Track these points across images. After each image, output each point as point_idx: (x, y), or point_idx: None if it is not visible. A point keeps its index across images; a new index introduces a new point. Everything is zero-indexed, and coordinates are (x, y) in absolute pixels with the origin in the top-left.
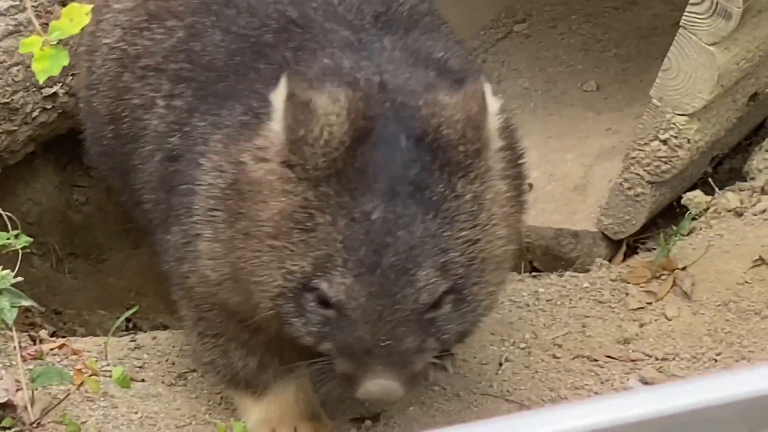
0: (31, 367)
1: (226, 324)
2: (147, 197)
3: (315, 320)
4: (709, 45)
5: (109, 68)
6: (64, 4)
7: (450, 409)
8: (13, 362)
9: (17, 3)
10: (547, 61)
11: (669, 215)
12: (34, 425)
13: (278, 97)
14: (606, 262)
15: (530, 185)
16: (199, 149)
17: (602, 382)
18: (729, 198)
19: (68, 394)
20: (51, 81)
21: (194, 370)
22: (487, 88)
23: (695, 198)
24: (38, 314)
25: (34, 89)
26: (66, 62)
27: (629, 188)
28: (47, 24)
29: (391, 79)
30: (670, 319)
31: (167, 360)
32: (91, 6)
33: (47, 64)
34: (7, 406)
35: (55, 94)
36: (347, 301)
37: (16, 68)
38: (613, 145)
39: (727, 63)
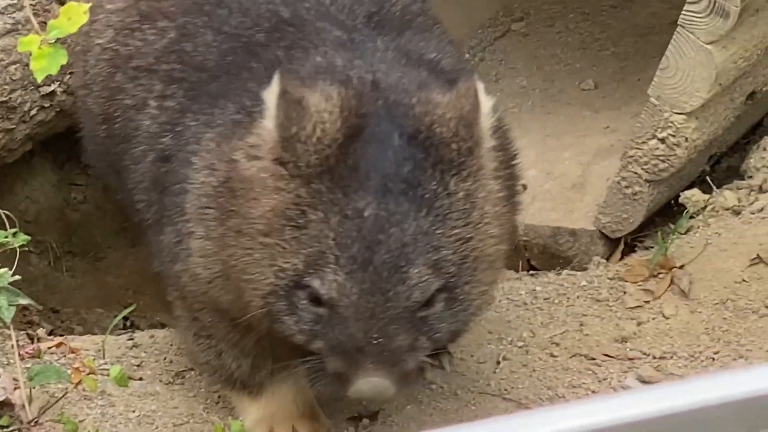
0: (28, 365)
1: (219, 325)
2: (139, 198)
3: (306, 318)
4: (707, 44)
5: (101, 68)
6: (62, 3)
7: (448, 408)
8: (11, 360)
9: (15, 1)
10: (544, 60)
11: (667, 214)
12: (32, 424)
13: (271, 94)
14: (604, 261)
15: (524, 186)
16: (191, 148)
17: (600, 381)
18: (727, 196)
19: (66, 393)
20: (49, 79)
21: (192, 369)
22: (480, 87)
23: (693, 196)
24: (36, 312)
25: (32, 88)
26: (64, 61)
27: (627, 187)
28: (45, 22)
29: (383, 77)
30: (667, 318)
31: (165, 358)
32: (89, 5)
33: (45, 63)
34: (5, 405)
35: (53, 92)
36: (339, 299)
37: (14, 67)
38: (611, 143)
39: (725, 62)
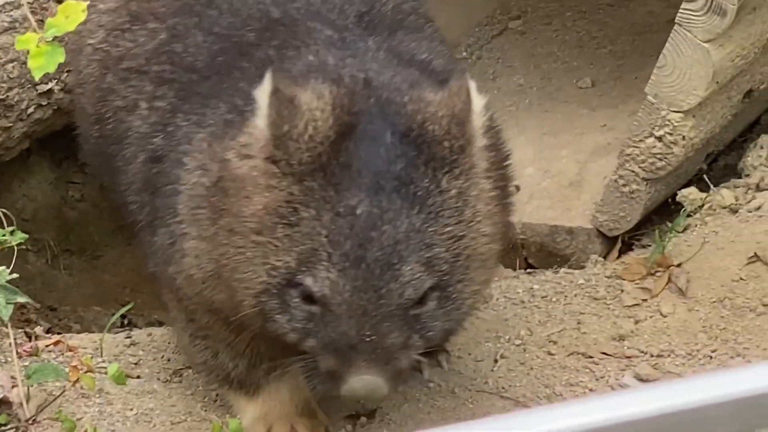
0: (26, 363)
1: (214, 325)
2: (132, 199)
3: (299, 316)
4: (704, 42)
5: (93, 69)
6: (59, 1)
7: (445, 406)
8: (9, 359)
9: (13, 0)
10: (542, 58)
11: (664, 212)
12: (30, 422)
13: (263, 93)
14: (601, 259)
15: (517, 187)
16: (182, 149)
17: (597, 379)
18: (724, 195)
19: (64, 391)
20: (46, 78)
21: (189, 367)
22: (472, 86)
23: (690, 195)
24: (33, 311)
25: (30, 86)
26: (62, 59)
27: (624, 185)
28: (43, 20)
29: (375, 76)
30: (665, 316)
31: (163, 357)
32: (87, 3)
33: (43, 61)
34: (3, 403)
35: (50, 90)
36: (332, 296)
37: (11, 65)
38: (608, 141)
39: (722, 60)
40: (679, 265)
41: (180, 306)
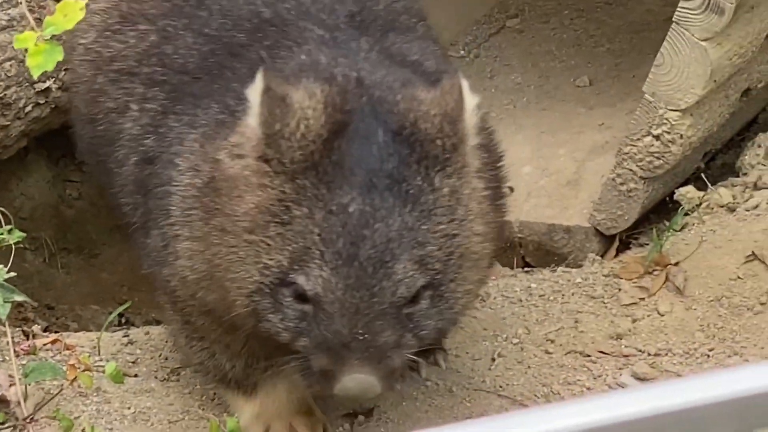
0: (24, 362)
1: (210, 327)
2: (125, 201)
3: (291, 315)
4: (701, 40)
5: (85, 69)
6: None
7: (443, 405)
8: (7, 357)
9: None
10: (539, 57)
11: (661, 211)
12: (27, 420)
13: (254, 92)
14: (598, 258)
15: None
16: (174, 150)
17: (595, 378)
18: (721, 193)
19: (61, 389)
20: (44, 76)
21: (187, 366)
22: (464, 84)
23: (688, 193)
24: (31, 309)
25: (27, 84)
26: (60, 57)
27: (622, 183)
28: (40, 19)
29: (368, 75)
30: (662, 315)
31: (160, 355)
32: (85, 1)
33: (41, 60)
34: (0, 402)
35: (48, 89)
36: (324, 294)
37: (8, 63)
38: (606, 140)
39: (719, 58)
40: (676, 264)
41: (175, 308)
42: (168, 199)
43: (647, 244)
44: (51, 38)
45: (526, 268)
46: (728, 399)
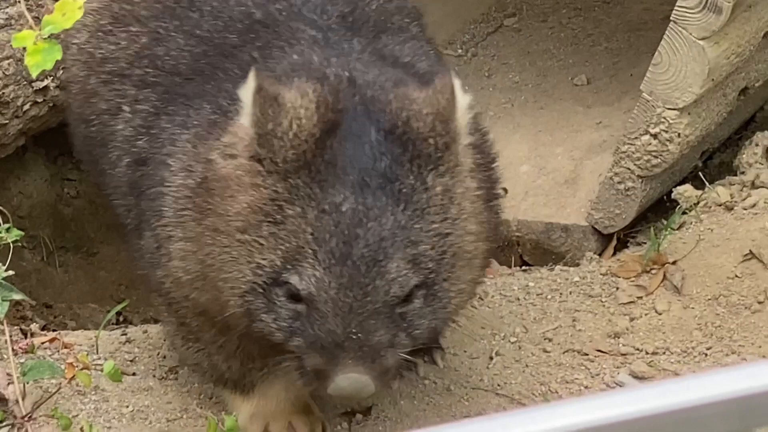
0: (22, 360)
1: (204, 328)
2: (118, 202)
3: (285, 315)
4: (699, 39)
5: (78, 69)
6: None
7: (441, 403)
8: (5, 356)
9: None
10: (537, 55)
11: (659, 209)
12: (26, 419)
13: (247, 91)
14: (596, 257)
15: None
16: (167, 150)
17: (593, 376)
18: (719, 192)
19: (59, 388)
20: (42, 75)
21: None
22: (456, 84)
23: (685, 192)
24: (29, 308)
25: (25, 83)
26: (59, 56)
27: (619, 182)
28: (38, 17)
29: (360, 75)
30: (660, 314)
31: (158, 353)
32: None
33: (40, 59)
34: None
35: (46, 87)
36: (317, 294)
37: (7, 62)
38: (604, 139)
39: (717, 57)
40: (674, 263)
41: (170, 309)
42: (160, 200)
43: (645, 243)
44: (49, 37)
45: (523, 267)
46: (727, 398)
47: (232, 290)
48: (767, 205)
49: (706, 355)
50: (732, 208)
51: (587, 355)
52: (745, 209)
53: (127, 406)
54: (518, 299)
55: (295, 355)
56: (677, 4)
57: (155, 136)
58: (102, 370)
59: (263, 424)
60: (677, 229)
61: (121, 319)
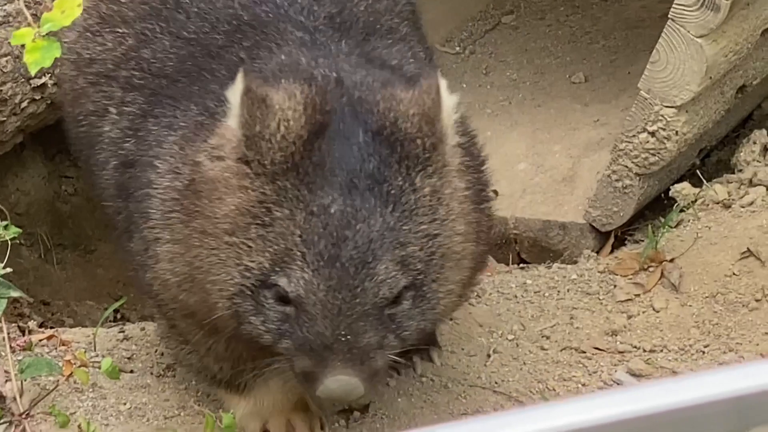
0: (20, 358)
1: (191, 329)
2: (108, 204)
3: (273, 318)
4: (697, 37)
5: (67, 69)
6: None
7: (438, 401)
8: (2, 353)
9: None
10: (535, 53)
11: (657, 207)
12: (23, 416)
13: (234, 93)
14: (594, 254)
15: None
16: (154, 152)
17: (590, 374)
18: (717, 190)
19: (57, 385)
20: (40, 72)
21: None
22: (442, 84)
23: (683, 190)
24: (26, 305)
25: (23, 80)
26: (58, 54)
27: (617, 180)
28: (36, 14)
29: (347, 75)
30: (657, 311)
31: (156, 351)
32: None
33: (39, 56)
34: None
35: (44, 85)
36: (306, 296)
37: (5, 59)
38: (602, 137)
39: (715, 55)
40: (671, 261)
41: (160, 311)
42: (148, 202)
43: (642, 241)
44: (48, 35)
45: (521, 265)
46: (725, 398)
47: (220, 292)
48: (765, 202)
49: (703, 352)
50: (730, 206)
51: (585, 352)
52: (743, 207)
53: (125, 404)
54: (516, 297)
55: (284, 357)
56: (675, 1)
57: (142, 139)
58: (100, 368)
59: (261, 422)
60: (675, 227)
61: (118, 316)
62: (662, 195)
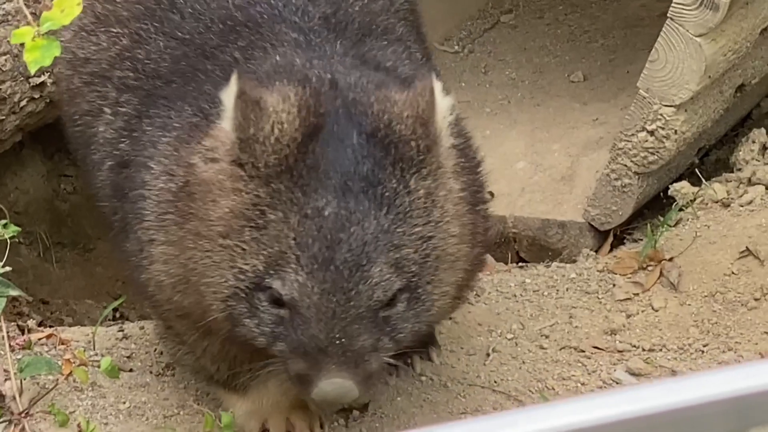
0: (19, 356)
1: (187, 330)
2: (103, 204)
3: (267, 320)
4: (696, 36)
5: (63, 68)
6: None
7: (437, 400)
8: (1, 352)
9: None
10: (533, 52)
11: (656, 206)
12: (23, 415)
13: (228, 96)
14: (593, 253)
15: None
16: (148, 153)
17: (589, 373)
18: (716, 189)
19: (56, 384)
20: (39, 71)
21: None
22: (437, 86)
23: (682, 189)
24: (26, 304)
25: (22, 79)
26: (58, 53)
27: (616, 179)
28: (35, 13)
29: (342, 77)
30: (656, 310)
31: (155, 350)
32: None
33: (38, 55)
34: None
35: (43, 83)
36: (300, 299)
37: (3, 58)
38: (600, 135)
39: (714, 54)
40: (670, 260)
41: (156, 313)
42: (142, 203)
43: (641, 240)
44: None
45: (520, 264)
46: (725, 398)
47: (215, 295)
48: (764, 201)
49: (702, 351)
50: (728, 205)
51: (584, 351)
52: (742, 206)
53: (124, 403)
54: (515, 296)
55: (278, 359)
56: (674, 1)
57: (137, 139)
58: (99, 367)
59: (261, 421)
60: (674, 226)
61: (117, 315)
62: (661, 194)
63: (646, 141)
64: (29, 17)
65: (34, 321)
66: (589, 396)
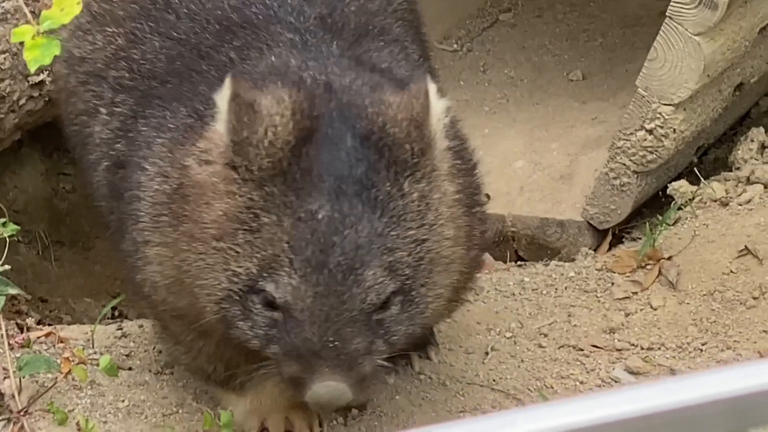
0: (18, 355)
1: (182, 331)
2: (100, 204)
3: (261, 323)
4: (695, 35)
5: (60, 66)
6: None
7: (436, 398)
8: (0, 350)
9: None
10: (532, 51)
11: (654, 205)
12: (22, 413)
13: (222, 98)
14: (591, 252)
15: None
16: (143, 154)
17: (588, 372)
18: (714, 188)
19: (55, 383)
20: (38, 69)
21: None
22: (432, 89)
23: (681, 188)
24: (24, 302)
25: (21, 77)
26: (57, 52)
27: (615, 178)
28: (34, 12)
29: (337, 79)
30: (655, 309)
31: (154, 348)
32: None
33: (38, 54)
34: None
35: (42, 82)
36: (294, 302)
37: (3, 56)
38: (599, 134)
39: (713, 53)
40: (669, 258)
41: (152, 313)
42: (137, 204)
43: (640, 239)
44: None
45: (519, 262)
46: (725, 398)
47: (209, 297)
48: (762, 200)
49: (701, 350)
50: (727, 204)
51: (582, 350)
52: (740, 205)
53: (123, 401)
54: (513, 294)
55: (272, 361)
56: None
57: (132, 140)
58: (98, 365)
59: (260, 420)
60: (672, 225)
61: (116, 313)
62: (660, 193)
63: (645, 140)
64: (29, 16)
65: (33, 319)
66: (589, 396)
